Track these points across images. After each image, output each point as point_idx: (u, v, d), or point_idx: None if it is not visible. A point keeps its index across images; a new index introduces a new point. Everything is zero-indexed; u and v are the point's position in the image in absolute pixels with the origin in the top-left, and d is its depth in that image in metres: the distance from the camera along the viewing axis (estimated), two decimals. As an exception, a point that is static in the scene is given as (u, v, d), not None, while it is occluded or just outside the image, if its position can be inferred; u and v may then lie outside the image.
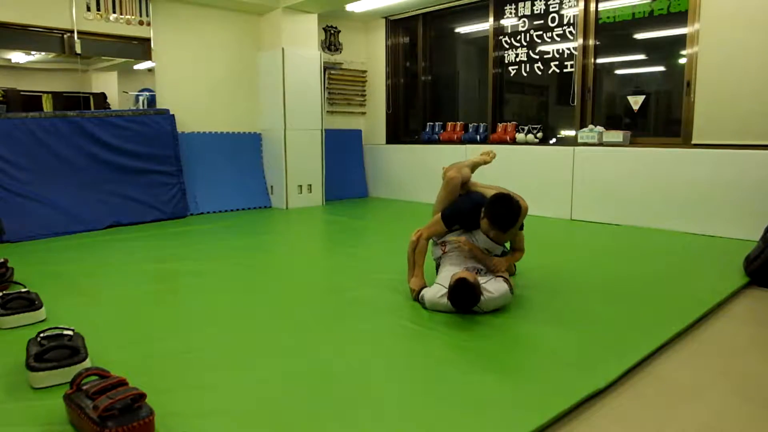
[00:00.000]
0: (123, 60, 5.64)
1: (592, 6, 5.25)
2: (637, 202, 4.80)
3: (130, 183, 5.28)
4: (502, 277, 2.62)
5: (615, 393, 1.84)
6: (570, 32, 5.43)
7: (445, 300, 2.49)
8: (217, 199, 6.05)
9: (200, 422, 1.62)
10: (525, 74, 5.89)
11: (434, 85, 7.10)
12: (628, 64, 5.29)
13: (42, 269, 3.49)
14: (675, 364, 2.09)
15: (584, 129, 5.23)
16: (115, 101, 5.71)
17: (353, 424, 1.63)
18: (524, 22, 5.82)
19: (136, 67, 5.76)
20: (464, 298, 2.40)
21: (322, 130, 6.50)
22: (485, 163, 3.21)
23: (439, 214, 2.77)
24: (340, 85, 7.22)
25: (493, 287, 2.51)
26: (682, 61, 4.71)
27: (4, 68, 5.13)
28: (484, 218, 2.61)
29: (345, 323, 2.51)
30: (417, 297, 2.66)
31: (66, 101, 5.32)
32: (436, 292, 2.55)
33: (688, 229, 4.51)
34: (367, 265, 3.54)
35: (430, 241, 2.87)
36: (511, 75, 6.04)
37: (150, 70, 5.73)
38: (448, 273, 2.60)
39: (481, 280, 2.53)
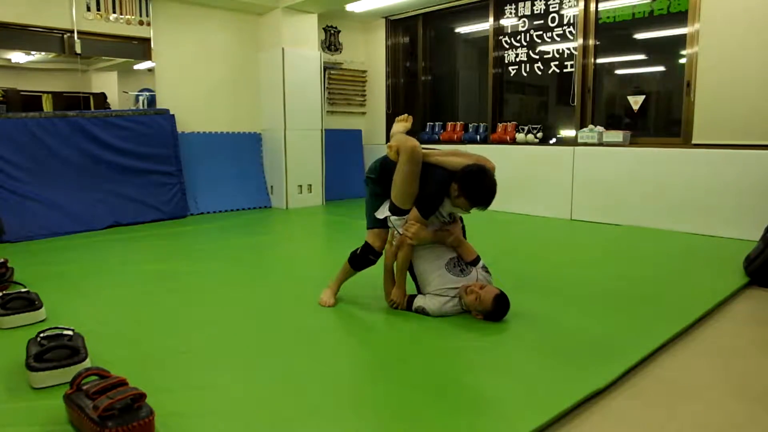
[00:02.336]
0: (123, 60, 5.64)
1: (592, 6, 5.25)
2: (637, 202, 4.80)
3: (130, 183, 5.28)
4: (478, 264, 2.63)
5: (615, 393, 1.84)
6: (570, 32, 5.43)
7: (450, 307, 2.51)
8: (217, 199, 6.05)
9: (200, 422, 1.62)
10: (525, 74, 5.89)
11: (434, 85, 7.10)
12: (628, 64, 5.29)
13: (42, 269, 3.49)
14: (675, 364, 2.09)
15: (584, 129, 5.23)
16: (115, 101, 5.71)
17: (352, 423, 1.63)
18: (524, 22, 5.82)
19: (136, 67, 5.76)
20: (506, 311, 2.45)
21: (322, 130, 6.50)
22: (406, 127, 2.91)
23: (415, 211, 2.49)
24: (340, 85, 7.22)
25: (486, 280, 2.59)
26: (682, 61, 4.71)
27: (4, 68, 5.13)
28: (460, 197, 2.41)
29: (344, 323, 2.51)
30: (408, 308, 2.59)
31: (66, 101, 5.32)
32: (441, 303, 2.51)
33: (688, 229, 4.51)
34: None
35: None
36: (511, 75, 6.04)
37: (150, 70, 5.73)
38: (441, 279, 2.55)
39: (466, 278, 2.55)
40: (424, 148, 2.54)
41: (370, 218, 2.72)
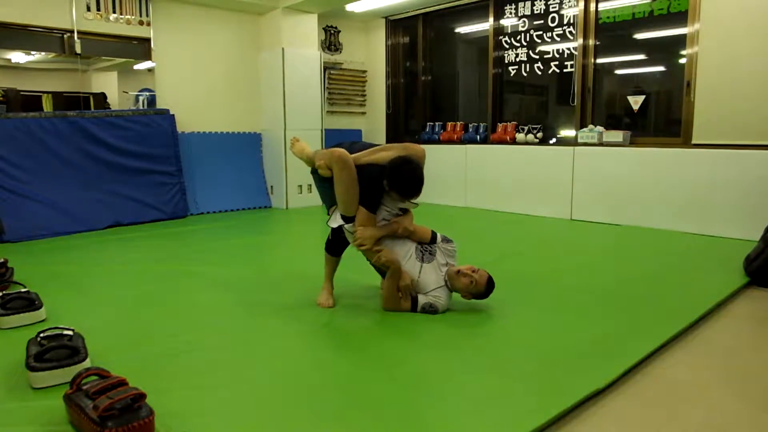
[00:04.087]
0: (123, 60, 5.64)
1: (592, 6, 5.25)
2: (637, 202, 4.80)
3: (130, 183, 5.28)
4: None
5: (615, 393, 1.84)
6: (570, 32, 5.43)
7: (448, 295, 2.58)
8: (217, 199, 6.05)
9: (200, 422, 1.62)
10: (525, 74, 5.89)
11: (434, 85, 7.10)
12: (628, 64, 5.29)
13: (42, 269, 3.49)
14: (675, 364, 2.09)
15: (584, 129, 5.23)
16: (115, 101, 5.71)
17: (352, 423, 1.63)
18: (524, 22, 5.82)
19: (136, 67, 5.75)
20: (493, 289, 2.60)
21: (322, 130, 6.50)
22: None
23: (362, 212, 2.51)
24: (340, 85, 7.22)
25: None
26: (682, 61, 4.71)
27: (4, 68, 5.13)
28: (392, 191, 2.46)
29: (343, 323, 2.51)
30: (413, 309, 2.59)
31: (66, 101, 5.32)
32: (443, 296, 2.56)
33: (688, 229, 4.51)
34: (366, 264, 3.53)
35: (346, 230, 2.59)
36: (511, 75, 6.04)
37: (150, 70, 5.73)
38: (431, 275, 2.58)
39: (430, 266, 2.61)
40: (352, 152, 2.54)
41: (324, 202, 2.80)
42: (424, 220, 2.99)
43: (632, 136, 5.04)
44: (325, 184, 2.66)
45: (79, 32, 5.17)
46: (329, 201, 2.72)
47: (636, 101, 5.12)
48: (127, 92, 5.85)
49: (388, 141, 7.21)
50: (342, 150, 2.47)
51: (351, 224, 2.54)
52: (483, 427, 1.60)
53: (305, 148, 2.82)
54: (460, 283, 2.54)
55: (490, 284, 2.58)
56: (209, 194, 6.00)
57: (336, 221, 2.60)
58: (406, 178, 2.43)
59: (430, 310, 2.55)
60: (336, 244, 2.75)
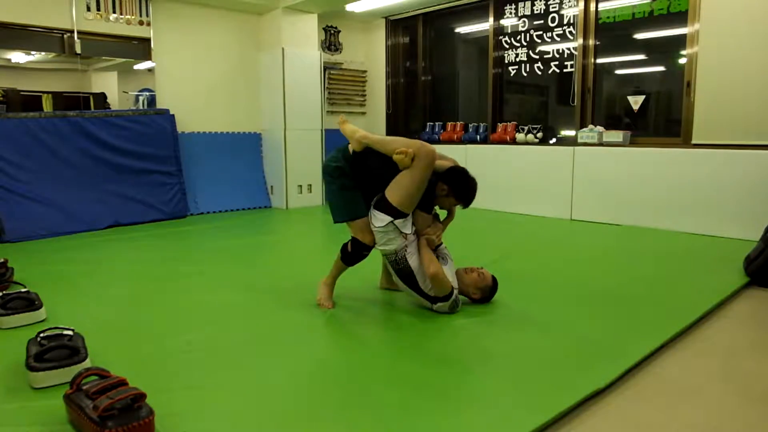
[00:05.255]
0: (123, 60, 5.64)
1: (592, 6, 5.25)
2: (637, 202, 4.80)
3: (130, 183, 5.28)
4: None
5: (615, 393, 1.84)
6: (570, 32, 5.43)
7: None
8: (217, 199, 6.05)
9: (200, 422, 1.62)
10: (525, 74, 5.89)
11: (434, 85, 7.10)
12: (628, 64, 5.29)
13: (42, 269, 3.49)
14: (675, 364, 2.09)
15: (584, 129, 5.23)
16: (115, 101, 5.71)
17: (353, 423, 1.63)
18: (524, 22, 5.82)
19: (136, 67, 5.76)
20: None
21: (322, 130, 6.50)
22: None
23: (421, 214, 2.58)
24: (340, 85, 7.22)
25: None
26: (682, 61, 4.71)
27: (4, 68, 5.13)
28: (449, 196, 2.62)
29: (344, 323, 2.51)
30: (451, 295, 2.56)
31: (66, 101, 5.32)
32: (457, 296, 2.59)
33: (688, 229, 4.51)
34: (366, 264, 3.53)
35: (380, 233, 2.55)
36: (511, 75, 6.04)
37: (150, 70, 5.73)
38: (450, 273, 2.61)
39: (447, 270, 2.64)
40: None
41: (347, 211, 2.62)
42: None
43: (632, 136, 5.04)
44: (342, 191, 2.60)
45: (79, 32, 5.17)
46: (350, 209, 2.61)
47: (636, 101, 5.12)
48: (127, 92, 5.85)
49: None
50: (433, 148, 2.50)
51: (401, 219, 2.49)
52: (483, 427, 1.60)
53: (358, 130, 2.66)
54: (470, 278, 2.65)
55: (495, 283, 2.69)
56: (209, 194, 6.00)
57: (381, 220, 2.50)
58: (470, 187, 2.67)
59: (456, 304, 2.56)
60: (355, 258, 2.67)
